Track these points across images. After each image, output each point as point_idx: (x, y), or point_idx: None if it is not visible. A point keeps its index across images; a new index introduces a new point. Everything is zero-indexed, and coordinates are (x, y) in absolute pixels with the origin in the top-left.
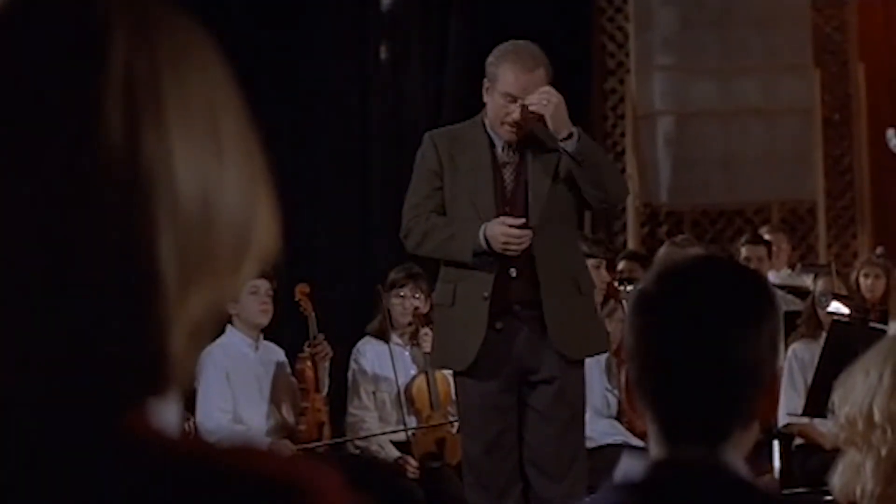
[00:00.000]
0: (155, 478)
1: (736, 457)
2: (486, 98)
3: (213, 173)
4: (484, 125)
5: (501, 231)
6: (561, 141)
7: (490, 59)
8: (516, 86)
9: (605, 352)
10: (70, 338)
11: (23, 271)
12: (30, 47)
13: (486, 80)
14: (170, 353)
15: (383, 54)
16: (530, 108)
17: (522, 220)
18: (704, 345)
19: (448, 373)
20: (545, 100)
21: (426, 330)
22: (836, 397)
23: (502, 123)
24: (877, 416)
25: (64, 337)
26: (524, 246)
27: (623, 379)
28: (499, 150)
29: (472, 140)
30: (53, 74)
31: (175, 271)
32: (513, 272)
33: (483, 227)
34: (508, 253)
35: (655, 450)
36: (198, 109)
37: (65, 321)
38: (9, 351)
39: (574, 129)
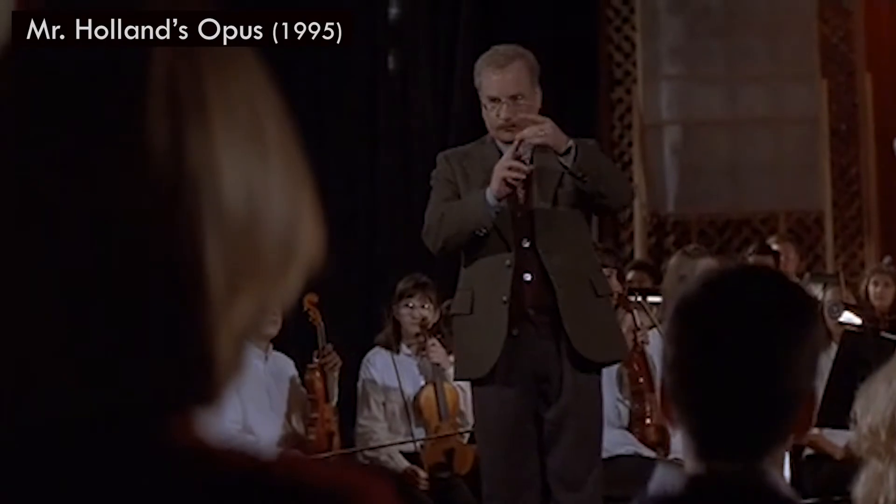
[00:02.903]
0: (200, 488)
1: (775, 471)
2: (483, 114)
3: (258, 178)
4: (494, 142)
5: (495, 174)
6: (561, 156)
7: (474, 74)
8: (494, 87)
9: (624, 358)
10: (115, 344)
11: (69, 276)
12: (67, 59)
13: (478, 94)
14: (216, 360)
15: (391, 64)
16: (533, 143)
17: (511, 153)
18: (747, 360)
19: (457, 383)
20: (538, 132)
21: (433, 340)
22: (857, 407)
23: (497, 129)
24: None
25: (109, 343)
26: (525, 171)
27: (649, 392)
28: None
29: (482, 155)
30: (98, 81)
31: (221, 276)
32: (527, 276)
33: (485, 188)
34: (511, 178)
35: (691, 463)
36: (241, 115)
37: (110, 327)
38: (53, 357)
39: (571, 144)
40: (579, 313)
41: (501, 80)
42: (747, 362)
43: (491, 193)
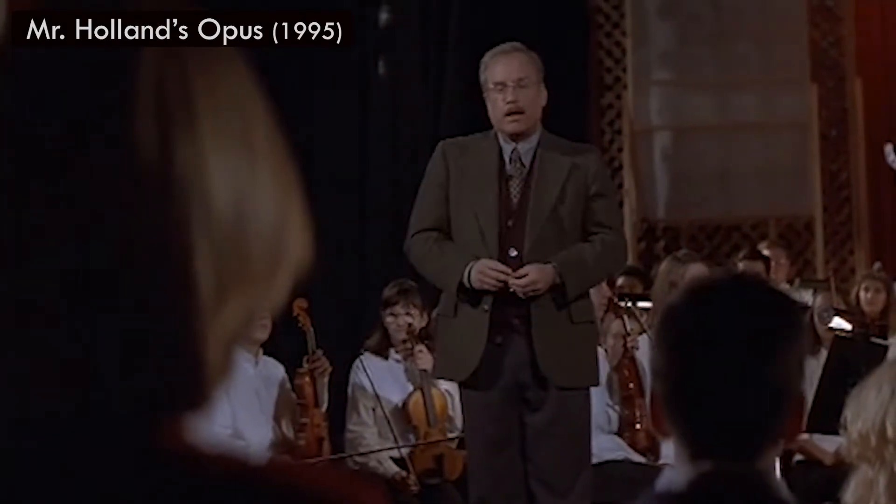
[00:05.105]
0: (190, 493)
1: (770, 472)
2: (488, 109)
3: (246, 182)
4: (496, 137)
5: (480, 269)
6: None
7: (479, 73)
8: (500, 72)
9: (595, 385)
10: (103, 348)
11: (59, 278)
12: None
13: (483, 94)
14: (205, 364)
15: (381, 69)
16: (525, 295)
17: (508, 270)
18: (734, 365)
19: (444, 389)
20: (529, 289)
21: (420, 346)
22: (848, 413)
23: (503, 117)
24: (889, 432)
25: (98, 346)
26: (499, 286)
27: (639, 398)
28: (507, 162)
29: (482, 150)
30: (86, 85)
31: (210, 280)
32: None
33: (470, 265)
34: (485, 287)
35: (684, 467)
36: (229, 119)
37: (99, 330)
38: (44, 359)
39: (558, 278)
40: (550, 338)
41: (507, 65)
42: (733, 367)
43: (465, 279)
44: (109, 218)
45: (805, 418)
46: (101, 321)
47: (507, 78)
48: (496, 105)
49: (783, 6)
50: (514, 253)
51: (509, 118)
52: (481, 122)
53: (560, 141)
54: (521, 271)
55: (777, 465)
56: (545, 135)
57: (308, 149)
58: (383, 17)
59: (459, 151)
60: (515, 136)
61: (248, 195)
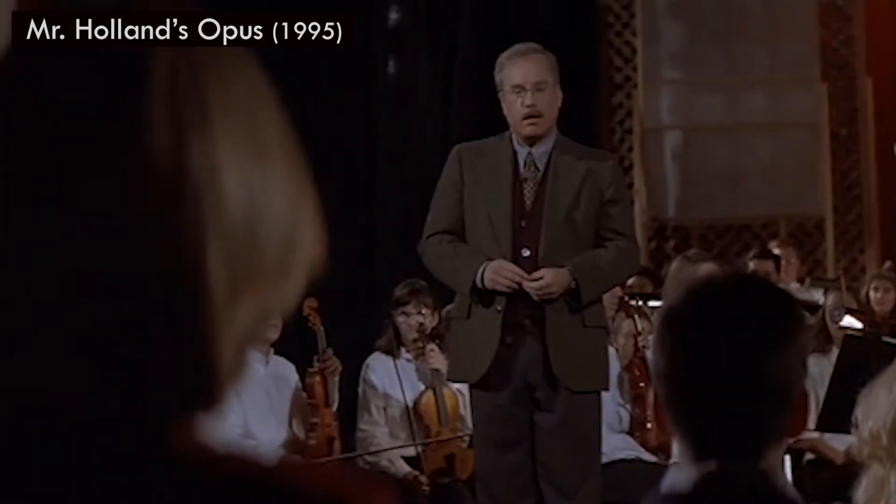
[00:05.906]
0: (201, 493)
1: (776, 471)
2: (504, 110)
3: (259, 183)
4: (511, 140)
5: (494, 269)
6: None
7: (494, 73)
8: (518, 75)
9: (605, 389)
10: (115, 349)
11: (71, 280)
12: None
13: (498, 94)
14: (217, 365)
15: (390, 69)
16: (539, 298)
17: (522, 273)
18: (736, 364)
19: (456, 388)
20: (544, 292)
21: (432, 346)
22: (859, 412)
23: (521, 120)
24: None
25: (111, 347)
26: (513, 287)
27: (651, 397)
28: (521, 165)
29: (497, 152)
30: (99, 86)
31: (223, 280)
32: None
33: (483, 265)
34: (497, 288)
35: (688, 467)
36: (242, 120)
37: (110, 332)
38: (56, 360)
39: (572, 282)
40: (563, 341)
41: (525, 68)
42: (736, 369)
43: (478, 280)
44: (122, 219)
45: (814, 416)
46: (112, 322)
47: (526, 81)
48: (513, 108)
49: (793, 6)
50: (526, 253)
51: (527, 121)
52: (491, 122)
53: (576, 145)
54: (537, 274)
55: (787, 464)
56: (560, 138)
57: (317, 149)
58: (392, 16)
59: (474, 154)
60: (531, 139)
61: (261, 196)
